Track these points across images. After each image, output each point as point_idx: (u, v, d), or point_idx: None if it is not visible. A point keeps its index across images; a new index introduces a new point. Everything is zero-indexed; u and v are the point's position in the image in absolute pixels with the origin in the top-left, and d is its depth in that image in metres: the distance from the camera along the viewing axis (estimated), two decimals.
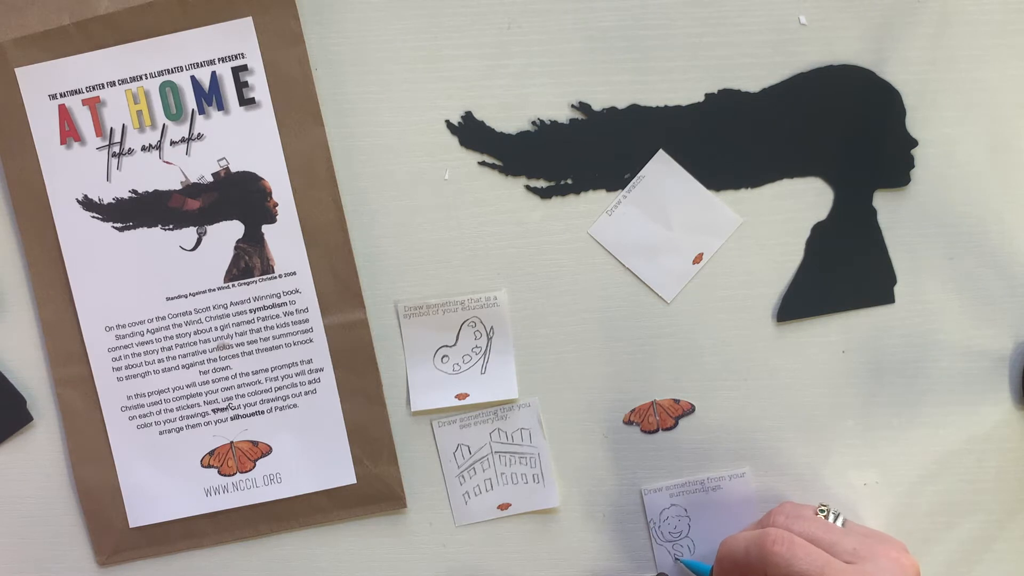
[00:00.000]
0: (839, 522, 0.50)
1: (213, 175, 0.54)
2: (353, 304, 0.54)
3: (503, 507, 0.56)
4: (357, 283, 0.54)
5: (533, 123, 0.54)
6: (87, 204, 0.54)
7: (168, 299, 0.54)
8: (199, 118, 0.53)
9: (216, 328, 0.54)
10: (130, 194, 0.54)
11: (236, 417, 0.55)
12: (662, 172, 0.54)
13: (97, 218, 0.54)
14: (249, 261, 0.54)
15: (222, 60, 0.53)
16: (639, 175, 0.54)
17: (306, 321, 0.54)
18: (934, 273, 0.55)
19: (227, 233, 0.54)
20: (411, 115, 0.54)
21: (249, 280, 0.54)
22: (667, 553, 0.56)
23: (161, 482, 0.56)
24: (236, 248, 0.54)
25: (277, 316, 0.54)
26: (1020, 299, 0.55)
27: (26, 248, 0.54)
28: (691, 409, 0.56)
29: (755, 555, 0.46)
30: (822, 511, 0.50)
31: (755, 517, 0.55)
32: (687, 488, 0.56)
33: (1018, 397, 0.55)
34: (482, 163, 0.54)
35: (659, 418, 0.56)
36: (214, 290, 0.54)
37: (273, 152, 0.53)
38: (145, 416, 0.55)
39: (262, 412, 0.55)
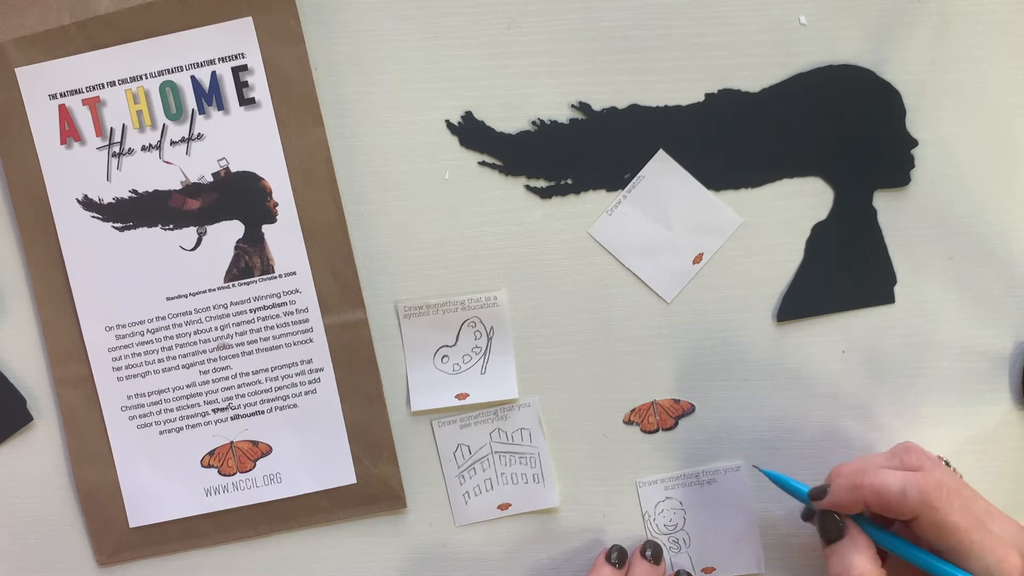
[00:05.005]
0: None
1: (213, 175, 0.54)
2: (353, 304, 0.55)
3: (503, 507, 0.56)
4: (357, 283, 0.54)
5: (533, 123, 0.54)
6: (87, 204, 0.54)
7: (168, 299, 0.54)
8: (199, 118, 0.53)
9: (216, 328, 0.54)
10: (130, 194, 0.54)
11: (236, 417, 0.55)
12: (662, 172, 0.54)
13: (97, 218, 0.54)
14: (249, 261, 0.54)
15: (222, 60, 0.53)
16: (639, 175, 0.54)
17: (306, 321, 0.54)
18: (934, 273, 0.55)
19: (227, 233, 0.54)
20: (411, 115, 0.54)
21: (249, 280, 0.54)
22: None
23: (161, 482, 0.56)
24: (236, 248, 0.54)
25: (277, 316, 0.54)
26: (1020, 299, 0.55)
27: (26, 248, 0.54)
28: (691, 409, 0.56)
29: (914, 496, 0.45)
30: (948, 465, 0.50)
31: (751, 512, 0.55)
32: (682, 481, 0.56)
33: (1018, 397, 0.55)
34: (482, 163, 0.54)
35: (659, 418, 0.56)
36: (214, 290, 0.54)
37: (273, 152, 0.53)
38: (145, 416, 0.55)
39: (262, 412, 0.55)
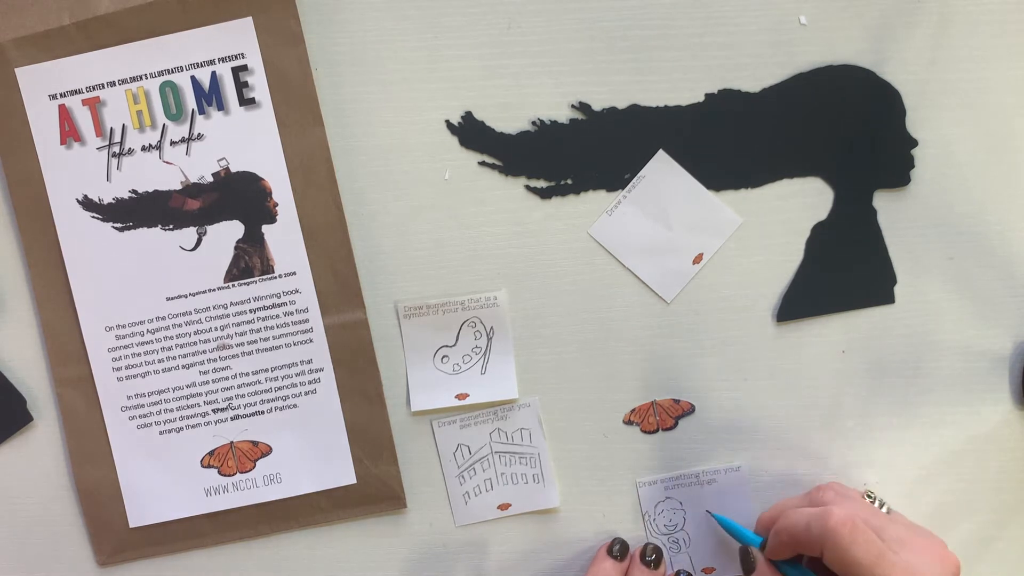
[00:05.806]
0: (884, 510, 0.51)
1: (213, 175, 0.54)
2: (353, 304, 0.55)
3: (503, 507, 0.56)
4: (357, 283, 0.54)
5: (533, 123, 0.54)
6: (87, 204, 0.54)
7: (168, 299, 0.54)
8: (199, 118, 0.53)
9: (216, 328, 0.54)
10: (130, 194, 0.54)
11: (236, 417, 0.55)
12: (662, 172, 0.54)
13: (97, 218, 0.54)
14: (249, 261, 0.54)
15: (222, 60, 0.53)
16: (639, 175, 0.54)
17: (306, 321, 0.54)
18: (934, 273, 0.55)
19: (227, 233, 0.54)
20: (411, 115, 0.54)
21: (249, 280, 0.54)
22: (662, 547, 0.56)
23: (161, 482, 0.56)
24: (236, 248, 0.54)
25: (277, 316, 0.54)
26: (1020, 299, 0.55)
27: (26, 248, 0.54)
28: (691, 409, 0.56)
29: (816, 532, 0.46)
30: (869, 497, 0.51)
31: (751, 512, 0.55)
32: (682, 481, 0.56)
33: (1018, 397, 0.55)
34: (482, 163, 0.54)
35: (659, 418, 0.56)
36: (214, 290, 0.54)
37: (273, 152, 0.53)
38: (145, 416, 0.55)
39: (262, 412, 0.55)
